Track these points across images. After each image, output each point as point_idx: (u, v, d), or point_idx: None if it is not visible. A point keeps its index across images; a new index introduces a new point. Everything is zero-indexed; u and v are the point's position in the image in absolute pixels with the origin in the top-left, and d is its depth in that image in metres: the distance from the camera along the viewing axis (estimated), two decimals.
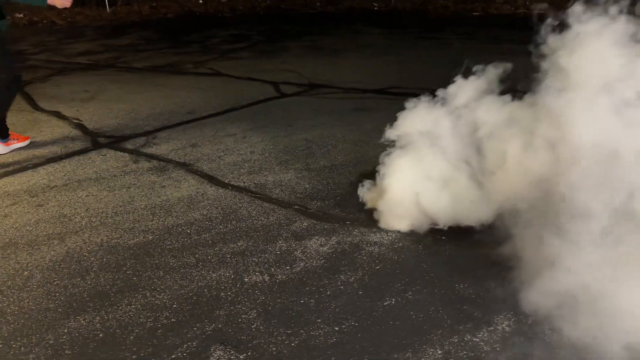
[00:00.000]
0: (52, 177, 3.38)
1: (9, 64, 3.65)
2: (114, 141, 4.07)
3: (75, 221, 2.79)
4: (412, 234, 2.57)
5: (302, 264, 2.34)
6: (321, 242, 2.53)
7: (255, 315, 2.01)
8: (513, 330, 1.89)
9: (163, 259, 2.41)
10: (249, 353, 1.81)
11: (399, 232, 2.60)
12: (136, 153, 3.80)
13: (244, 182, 3.24)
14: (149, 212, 2.87)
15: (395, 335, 1.88)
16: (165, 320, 1.99)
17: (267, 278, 2.24)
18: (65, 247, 2.52)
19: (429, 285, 2.17)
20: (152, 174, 3.40)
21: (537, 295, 1.98)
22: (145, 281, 2.24)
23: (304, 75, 6.38)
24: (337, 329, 1.92)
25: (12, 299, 2.13)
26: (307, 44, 8.46)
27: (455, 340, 1.85)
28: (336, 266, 2.32)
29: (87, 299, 2.13)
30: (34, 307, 2.08)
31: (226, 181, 3.28)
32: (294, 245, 2.50)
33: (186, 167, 3.53)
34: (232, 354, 1.81)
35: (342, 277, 2.24)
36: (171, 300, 2.11)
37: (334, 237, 2.57)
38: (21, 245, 2.55)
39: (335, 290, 2.15)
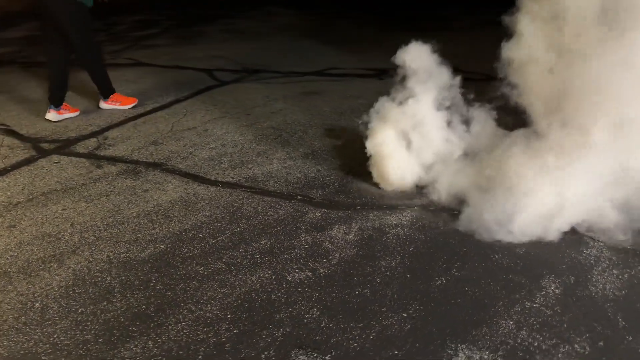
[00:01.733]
0: (9, 193, 2.97)
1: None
2: (61, 146, 3.66)
3: (65, 239, 2.49)
4: (425, 212, 2.64)
5: (337, 255, 2.31)
6: (344, 230, 2.50)
7: (317, 313, 1.95)
8: (562, 291, 2.03)
9: (189, 268, 2.24)
10: (333, 353, 1.76)
11: (412, 211, 2.65)
12: (94, 157, 3.46)
13: (232, 178, 3.10)
14: (146, 219, 2.65)
15: (464, 313, 1.93)
16: (227, 333, 1.87)
17: (309, 274, 2.18)
18: (70, 270, 2.25)
19: (466, 260, 2.25)
20: (125, 179, 3.12)
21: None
22: (183, 294, 2.07)
23: (236, 61, 6.17)
24: (405, 315, 1.93)
25: (37, 337, 1.87)
26: (224, 27, 8.16)
27: (519, 309, 1.94)
28: (371, 253, 2.32)
29: (127, 323, 1.93)
30: (69, 342, 1.85)
31: (212, 178, 3.10)
32: (318, 237, 2.45)
33: (159, 167, 3.28)
34: (316, 356, 1.75)
35: (382, 263, 2.25)
36: (222, 311, 1.98)
37: (354, 224, 2.55)
38: (14, 275, 2.23)
39: (383, 277, 2.15)
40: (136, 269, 2.25)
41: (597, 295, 2.00)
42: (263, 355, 1.76)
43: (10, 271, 2.25)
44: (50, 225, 2.61)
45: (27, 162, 3.39)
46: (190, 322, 1.92)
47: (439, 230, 2.48)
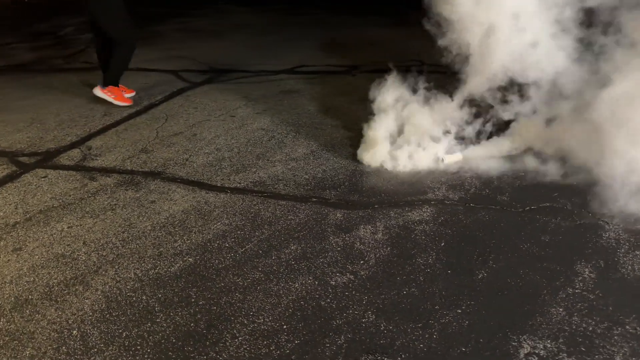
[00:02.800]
0: (2, 213, 2.75)
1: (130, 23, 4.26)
2: (42, 159, 3.43)
3: (82, 259, 2.34)
4: (442, 206, 2.68)
5: (372, 256, 2.31)
6: (370, 230, 2.50)
7: (373, 316, 1.95)
8: (597, 275, 2.13)
9: (227, 279, 2.17)
10: (403, 356, 1.77)
11: (429, 206, 2.69)
12: (83, 169, 3.27)
13: (240, 183, 3.02)
14: (163, 232, 2.53)
15: (514, 304, 1.99)
16: (289, 344, 1.82)
17: (351, 277, 2.17)
18: (98, 292, 2.12)
19: (499, 251, 2.31)
20: (126, 190, 2.97)
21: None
22: (229, 308, 2.01)
23: (201, 61, 6.01)
24: (459, 311, 1.96)
25: None
26: (178, 27, 7.91)
27: (564, 296, 2.02)
28: (405, 251, 2.34)
29: (180, 343, 1.84)
30: None
31: (219, 185, 3.01)
32: (347, 238, 2.44)
33: (158, 176, 3.15)
34: None
35: (419, 260, 2.27)
36: (276, 322, 1.93)
37: (378, 223, 2.56)
38: (38, 302, 2.08)
39: (426, 275, 2.17)
40: (170, 285, 2.15)
41: (629, 276, 2.11)
42: None
43: (32, 298, 2.09)
44: (60, 246, 2.44)
45: (10, 178, 3.15)
46: (247, 336, 1.87)
47: (463, 224, 2.53)
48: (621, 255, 2.24)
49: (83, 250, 2.41)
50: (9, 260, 2.34)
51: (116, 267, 2.28)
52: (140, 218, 2.67)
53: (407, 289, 2.09)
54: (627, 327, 1.85)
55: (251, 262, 2.29)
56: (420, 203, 2.74)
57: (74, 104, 4.53)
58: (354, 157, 3.30)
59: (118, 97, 4.38)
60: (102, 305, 2.04)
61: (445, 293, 2.06)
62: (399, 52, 5.95)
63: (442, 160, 3.15)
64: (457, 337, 1.83)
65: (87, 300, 2.07)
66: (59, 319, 1.97)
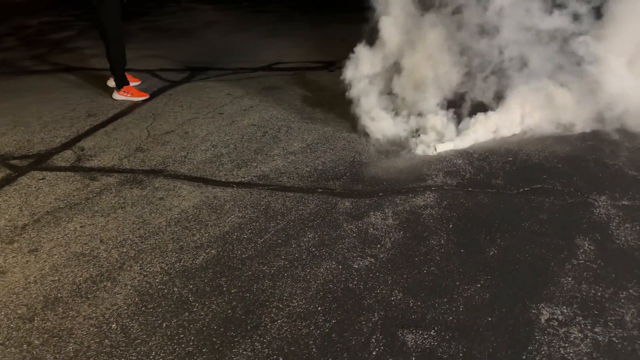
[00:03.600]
0: (7, 216, 2.71)
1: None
2: (35, 162, 3.37)
3: (103, 257, 2.35)
4: (443, 191, 2.83)
5: (387, 240, 2.43)
6: (381, 216, 2.62)
7: (400, 295, 2.07)
8: (595, 247, 2.32)
9: (253, 268, 2.24)
10: (436, 328, 1.89)
11: (431, 192, 2.83)
12: (81, 170, 3.24)
13: (244, 178, 3.08)
14: (180, 227, 2.57)
15: (527, 276, 2.15)
16: (327, 324, 1.92)
17: (372, 260, 2.28)
18: (128, 287, 2.15)
19: (503, 230, 2.48)
20: (131, 189, 2.98)
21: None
22: (262, 294, 2.08)
23: (176, 60, 5.98)
24: (479, 285, 2.11)
25: (135, 358, 1.79)
26: (145, 25, 7.80)
27: (570, 267, 2.20)
28: (418, 234, 2.47)
29: (222, 329, 1.91)
30: (172, 358, 1.79)
31: (224, 180, 3.06)
32: (360, 225, 2.55)
33: (160, 173, 3.17)
34: (421, 333, 1.87)
35: (433, 242, 2.41)
36: (310, 304, 2.02)
37: (386, 210, 2.68)
38: (67, 299, 2.09)
39: (441, 255, 2.31)
40: (200, 276, 2.20)
41: (624, 246, 2.31)
42: (373, 339, 1.85)
43: (62, 296, 2.10)
44: (77, 245, 2.44)
45: (7, 181, 3.09)
46: (285, 318, 1.95)
47: (465, 207, 2.69)
48: (614, 228, 2.45)
49: (102, 248, 2.42)
50: (27, 261, 2.33)
51: (140, 262, 2.30)
52: (153, 215, 2.69)
53: (426, 268, 2.22)
54: (631, 290, 2.04)
55: (273, 251, 2.36)
56: (422, 189, 2.88)
57: (53, 105, 4.44)
58: (347, 149, 3.41)
59: (134, 94, 4.56)
60: (135, 299, 2.07)
61: (463, 270, 2.20)
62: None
63: (435, 148, 3.31)
64: (482, 309, 1.98)
65: (118, 295, 2.10)
66: (94, 314, 2.00)
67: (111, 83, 4.72)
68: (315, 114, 4.14)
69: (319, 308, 2.00)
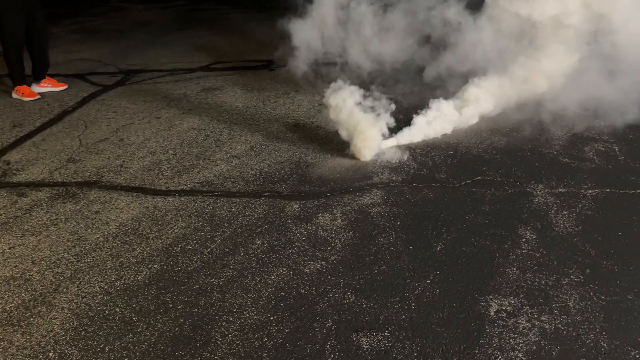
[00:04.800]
0: None
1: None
2: None
3: (36, 279, 2.19)
4: (389, 188, 2.84)
5: (337, 241, 2.40)
6: (330, 217, 2.60)
7: (353, 297, 2.05)
8: (537, 235, 2.39)
9: (200, 281, 2.16)
10: (389, 328, 1.89)
11: (377, 190, 2.83)
12: (7, 186, 3.02)
13: (186, 185, 2.97)
14: (119, 242, 2.44)
15: (474, 269, 2.19)
16: (280, 334, 1.87)
17: (323, 263, 2.26)
18: (65, 310, 2.01)
19: (449, 224, 2.51)
20: (64, 203, 2.80)
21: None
22: (210, 308, 2.00)
23: (107, 62, 5.72)
24: (429, 281, 2.12)
25: None
26: (74, 27, 7.42)
27: (514, 257, 2.26)
28: (367, 233, 2.46)
29: (170, 349, 1.82)
30: None
31: (164, 188, 2.94)
32: (310, 227, 2.51)
33: (95, 185, 3.00)
34: (376, 335, 1.86)
35: (382, 240, 2.40)
36: (262, 314, 1.96)
37: (335, 210, 2.66)
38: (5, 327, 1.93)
39: (391, 253, 2.31)
40: (143, 293, 2.09)
41: (563, 233, 2.40)
42: (328, 345, 1.81)
43: None
44: (6, 268, 2.27)
45: None
46: (236, 332, 1.88)
47: (412, 203, 2.71)
48: (552, 215, 2.54)
49: (34, 269, 2.26)
50: None
51: (77, 282, 2.16)
52: (89, 230, 2.54)
53: (377, 268, 2.21)
54: (572, 276, 2.11)
55: (220, 261, 2.28)
56: (369, 187, 2.87)
57: None
58: (292, 149, 3.37)
59: (25, 93, 4.48)
60: (73, 323, 1.94)
61: (412, 267, 2.21)
62: None
63: (379, 146, 3.31)
64: (433, 305, 1.99)
65: (55, 320, 1.96)
66: (29, 344, 1.85)
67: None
68: (258, 114, 4.06)
69: (272, 318, 1.95)
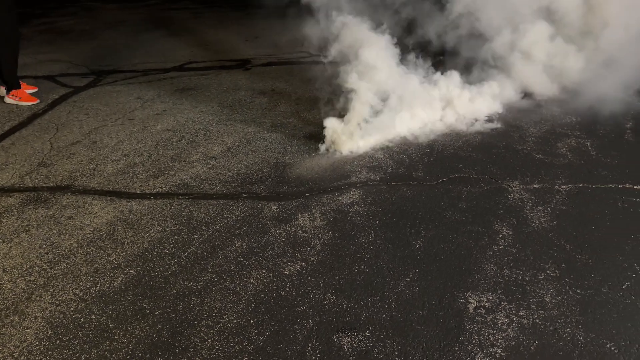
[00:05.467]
0: None
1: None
2: None
3: (8, 288, 2.13)
4: (367, 187, 2.85)
5: (317, 242, 2.40)
6: (309, 217, 2.59)
7: (334, 297, 2.04)
8: (513, 231, 2.42)
9: (178, 285, 2.13)
10: (370, 328, 1.89)
11: (356, 189, 2.83)
12: None
13: (162, 188, 2.92)
14: (93, 247, 2.39)
15: (453, 266, 2.20)
16: (260, 337, 1.86)
17: (303, 264, 2.24)
18: (39, 319, 1.96)
19: (427, 222, 2.53)
20: (36, 209, 2.73)
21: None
22: (189, 313, 1.97)
23: (78, 63, 5.61)
24: (408, 280, 2.13)
25: None
26: (43, 28, 7.25)
27: (492, 253, 2.28)
28: (346, 233, 2.46)
29: (148, 356, 1.79)
30: None
31: (139, 192, 2.89)
32: (288, 228, 2.50)
33: (67, 189, 2.93)
34: (357, 335, 1.86)
35: (361, 239, 2.41)
36: (242, 318, 1.94)
37: (314, 210, 2.65)
38: None
39: (370, 252, 2.31)
40: (119, 299, 2.05)
41: (538, 228, 2.44)
42: (309, 347, 1.80)
43: None
44: None
45: None
46: (216, 336, 1.86)
47: (390, 201, 2.72)
48: (528, 211, 2.57)
49: (6, 278, 2.19)
50: None
51: (51, 290, 2.11)
52: (62, 236, 2.48)
53: (357, 267, 2.21)
54: (548, 271, 2.15)
55: (198, 264, 2.25)
56: (347, 187, 2.87)
57: None
58: (269, 150, 3.35)
59: (23, 97, 4.32)
60: (47, 332, 1.89)
61: (392, 265, 2.21)
62: (286, 45, 6.05)
63: (357, 144, 3.32)
64: (413, 303, 2.00)
65: (28, 330, 1.90)
66: (1, 355, 1.80)
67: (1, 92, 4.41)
68: (234, 115, 4.03)
69: (252, 321, 1.93)
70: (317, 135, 3.51)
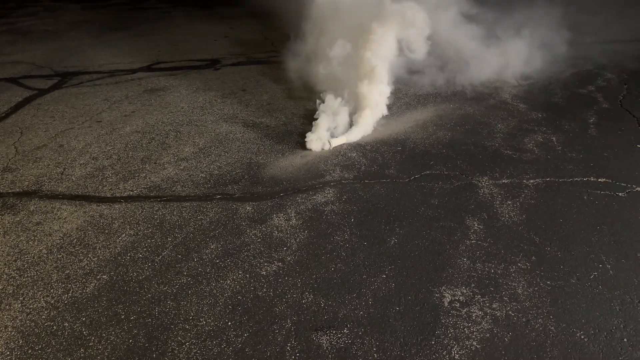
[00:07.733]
0: None
1: None
2: None
3: None
4: (341, 185, 2.86)
5: (293, 241, 2.40)
6: (284, 217, 2.59)
7: (311, 296, 2.05)
8: (484, 226, 2.48)
9: (152, 290, 2.10)
10: (348, 325, 1.90)
11: (330, 188, 2.84)
12: None
13: (132, 190, 2.88)
14: (64, 253, 2.33)
15: (427, 261, 2.23)
16: (239, 339, 1.85)
17: (279, 264, 2.24)
18: (9, 329, 1.90)
19: (401, 218, 2.56)
20: (1, 215, 2.65)
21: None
22: (165, 317, 1.95)
23: (41, 65, 5.48)
24: (384, 276, 2.15)
25: None
26: (4, 28, 7.05)
27: (464, 248, 2.32)
28: (322, 232, 2.46)
29: None
30: None
31: (109, 195, 2.84)
32: (264, 229, 2.49)
33: (34, 195, 2.86)
34: (335, 333, 1.87)
35: (337, 238, 2.42)
36: (219, 320, 1.93)
37: (289, 210, 2.65)
38: None
39: (346, 250, 2.33)
40: (92, 306, 2.01)
41: (508, 222, 2.50)
42: (288, 347, 1.81)
43: None
44: None
45: None
46: (193, 340, 1.84)
47: (364, 199, 2.74)
48: (497, 206, 2.63)
49: None
50: None
51: (21, 298, 2.05)
52: (31, 243, 2.42)
53: (333, 266, 2.22)
54: (519, 264, 2.20)
55: (173, 268, 2.23)
56: (322, 186, 2.88)
57: None
58: (242, 150, 3.33)
59: None
60: (19, 342, 1.84)
61: (368, 262, 2.23)
62: (255, 44, 6.02)
63: (330, 143, 3.33)
64: (389, 299, 2.02)
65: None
66: None
67: None
68: (204, 115, 3.99)
69: (229, 323, 1.92)
70: (290, 135, 3.51)
